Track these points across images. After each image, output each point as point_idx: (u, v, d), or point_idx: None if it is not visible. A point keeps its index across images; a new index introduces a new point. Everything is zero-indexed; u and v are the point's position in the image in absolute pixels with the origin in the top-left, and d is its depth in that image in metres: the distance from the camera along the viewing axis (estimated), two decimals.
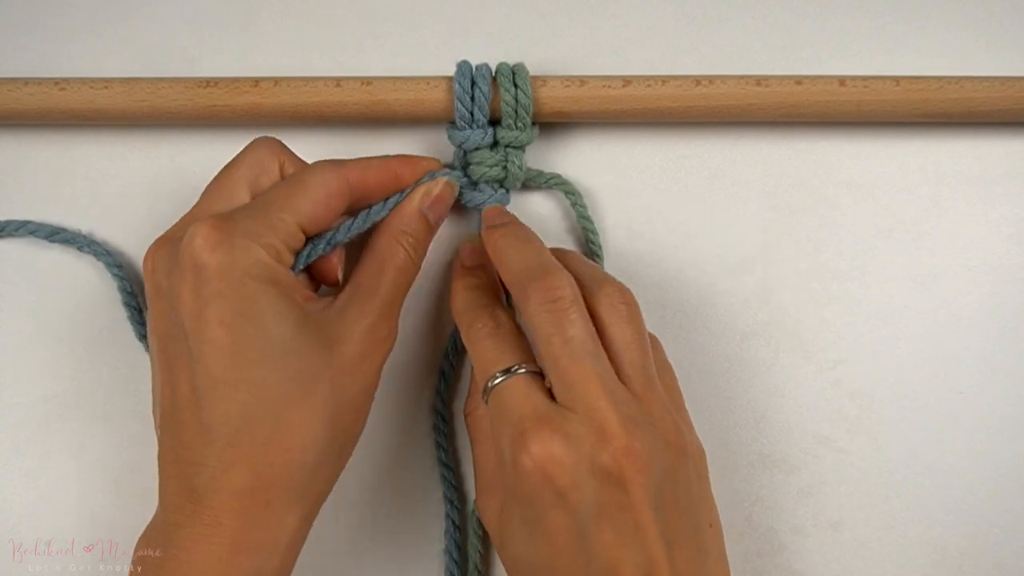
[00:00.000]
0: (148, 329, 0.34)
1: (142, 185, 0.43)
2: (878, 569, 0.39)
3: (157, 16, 0.46)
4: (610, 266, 0.42)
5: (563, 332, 0.32)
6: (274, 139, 0.36)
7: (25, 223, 0.42)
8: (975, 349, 0.41)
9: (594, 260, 0.41)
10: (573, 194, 0.42)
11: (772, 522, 0.39)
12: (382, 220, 0.37)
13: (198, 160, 0.43)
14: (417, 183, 0.38)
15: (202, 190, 0.43)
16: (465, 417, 0.38)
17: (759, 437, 0.40)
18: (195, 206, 0.35)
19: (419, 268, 0.37)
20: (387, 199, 0.37)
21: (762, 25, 0.45)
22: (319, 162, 0.36)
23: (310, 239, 0.35)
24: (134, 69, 0.43)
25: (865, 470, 0.40)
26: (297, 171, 0.35)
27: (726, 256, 0.42)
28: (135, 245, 0.43)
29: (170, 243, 0.33)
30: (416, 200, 0.37)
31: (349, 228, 0.36)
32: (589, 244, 0.41)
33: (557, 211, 0.43)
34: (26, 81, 0.41)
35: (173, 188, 0.43)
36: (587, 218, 0.41)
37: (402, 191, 0.37)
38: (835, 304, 0.42)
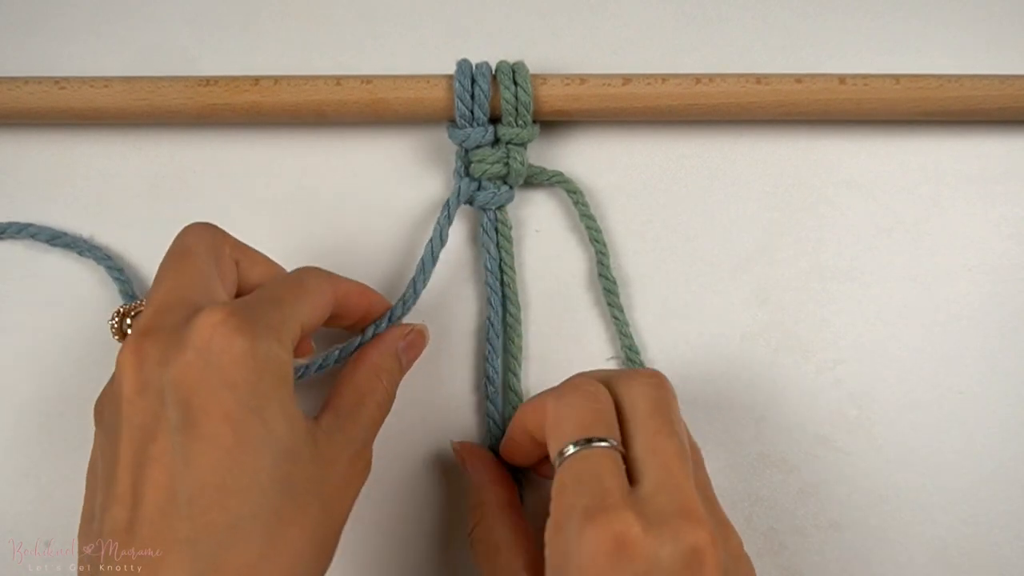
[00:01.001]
0: (105, 430, 0.29)
1: (142, 185, 0.43)
2: (878, 569, 0.39)
3: (157, 16, 0.46)
4: (618, 259, 0.42)
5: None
6: (213, 225, 0.34)
7: (26, 226, 0.42)
8: (975, 349, 0.41)
9: (598, 257, 0.41)
10: (575, 192, 0.42)
11: (772, 522, 0.39)
12: (360, 352, 0.36)
13: (198, 160, 0.43)
14: (382, 322, 0.37)
15: (202, 190, 0.43)
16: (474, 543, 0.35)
17: (759, 437, 0.40)
18: (158, 292, 0.30)
19: (391, 407, 0.36)
20: (364, 331, 0.37)
21: (762, 25, 0.45)
22: (311, 268, 0.34)
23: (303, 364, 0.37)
24: (134, 68, 0.43)
25: (865, 470, 0.40)
26: (294, 273, 0.34)
27: (726, 256, 0.42)
28: (135, 246, 0.42)
29: (161, 332, 0.28)
30: (394, 339, 0.37)
31: (340, 353, 0.37)
32: (593, 242, 0.41)
33: (559, 209, 0.43)
34: (26, 80, 0.41)
35: (173, 188, 0.43)
36: (590, 216, 0.41)
37: (374, 322, 0.37)
38: (835, 304, 0.42)
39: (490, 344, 0.40)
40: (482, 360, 0.40)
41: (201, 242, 0.32)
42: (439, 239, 0.39)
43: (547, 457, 0.32)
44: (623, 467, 0.29)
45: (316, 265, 0.39)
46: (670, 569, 0.26)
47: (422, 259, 0.39)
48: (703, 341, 0.41)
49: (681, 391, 0.40)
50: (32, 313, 0.42)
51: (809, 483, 0.40)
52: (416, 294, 0.39)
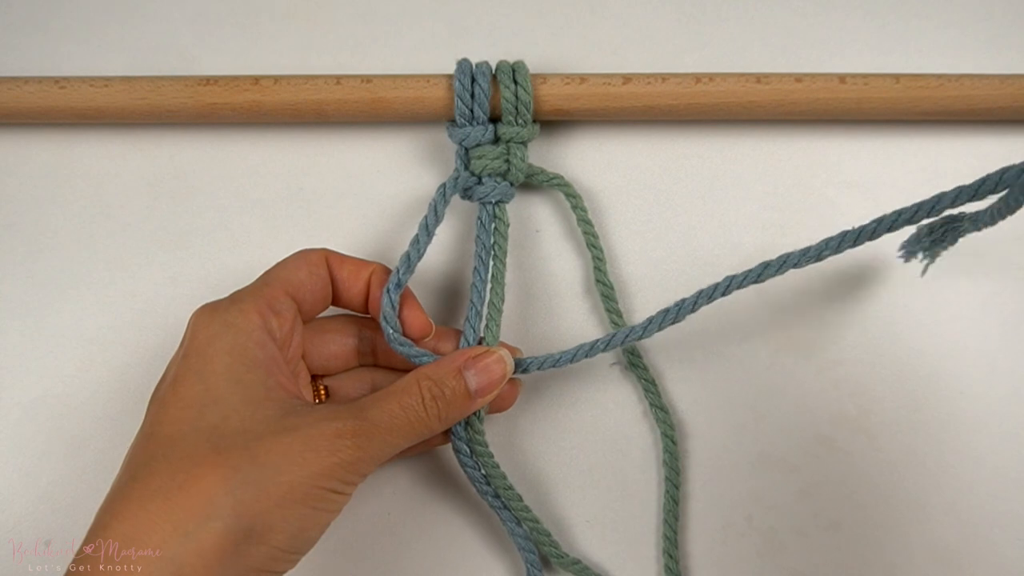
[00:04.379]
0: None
1: (142, 185, 0.43)
2: (878, 569, 0.39)
3: (157, 15, 0.46)
4: (610, 266, 0.42)
5: None
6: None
7: None
8: (975, 349, 0.41)
9: (595, 263, 0.41)
10: (574, 196, 0.42)
11: (772, 522, 0.39)
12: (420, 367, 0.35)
13: (198, 160, 0.43)
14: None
15: (201, 190, 0.44)
16: None
17: (759, 437, 0.40)
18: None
19: (434, 429, 0.34)
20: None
21: (762, 25, 0.45)
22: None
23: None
24: (134, 68, 0.43)
25: (865, 470, 0.40)
26: None
27: (726, 256, 0.42)
28: (135, 245, 0.42)
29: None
30: (458, 355, 0.35)
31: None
32: (589, 247, 0.41)
33: (557, 213, 0.43)
34: (26, 80, 0.41)
35: (173, 188, 0.43)
36: (587, 221, 0.41)
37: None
38: (835, 304, 0.42)
39: (467, 331, 0.39)
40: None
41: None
42: (434, 215, 0.38)
43: None
44: None
45: None
46: None
47: (416, 235, 0.38)
48: (703, 341, 0.41)
49: (681, 391, 0.40)
50: (32, 311, 0.42)
51: (809, 483, 0.40)
52: (410, 267, 0.37)
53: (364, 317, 0.39)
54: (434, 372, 0.34)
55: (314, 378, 0.38)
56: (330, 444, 0.31)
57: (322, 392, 0.37)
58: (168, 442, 0.30)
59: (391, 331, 0.36)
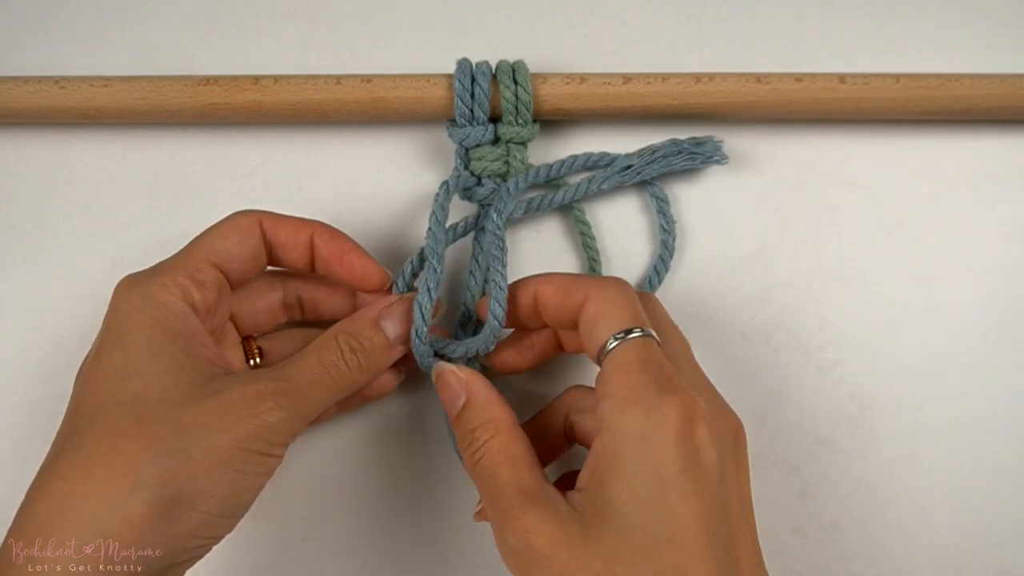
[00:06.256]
0: None
1: (142, 185, 0.43)
2: (878, 569, 0.39)
3: (157, 15, 0.46)
4: (609, 266, 0.42)
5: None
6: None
7: None
8: (975, 349, 0.41)
9: (590, 264, 0.41)
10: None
11: (772, 522, 0.39)
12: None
13: (198, 160, 0.43)
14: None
15: (202, 190, 0.43)
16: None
17: (759, 437, 0.40)
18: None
19: (357, 383, 0.34)
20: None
21: (762, 25, 0.45)
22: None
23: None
24: (134, 68, 0.43)
25: (865, 470, 0.40)
26: None
27: (726, 256, 0.42)
28: (135, 245, 0.42)
29: None
30: (371, 308, 0.35)
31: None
32: (586, 248, 0.41)
33: (556, 213, 0.43)
34: (26, 79, 0.41)
35: (173, 188, 0.43)
36: (585, 223, 0.41)
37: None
38: (835, 304, 0.42)
39: (460, 328, 0.39)
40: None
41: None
42: (440, 211, 0.38)
43: (536, 330, 0.37)
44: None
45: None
46: (726, 438, 0.31)
47: (429, 227, 0.38)
48: (703, 341, 0.41)
49: None
50: (32, 311, 0.42)
51: (809, 483, 0.40)
52: (439, 264, 0.36)
53: (286, 271, 0.38)
54: (351, 325, 0.34)
55: (247, 339, 0.37)
56: (251, 407, 0.31)
57: (255, 351, 0.37)
58: (91, 414, 0.30)
59: (420, 345, 0.35)
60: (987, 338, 0.41)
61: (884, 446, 0.40)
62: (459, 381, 0.34)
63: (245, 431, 0.30)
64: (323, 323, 0.37)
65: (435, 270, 0.36)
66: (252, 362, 0.37)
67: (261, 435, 0.31)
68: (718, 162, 0.41)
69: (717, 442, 0.30)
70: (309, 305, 0.39)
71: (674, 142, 0.41)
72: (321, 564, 0.39)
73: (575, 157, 0.41)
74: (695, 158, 0.41)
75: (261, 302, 0.38)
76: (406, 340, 0.35)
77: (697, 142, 0.41)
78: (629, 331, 0.31)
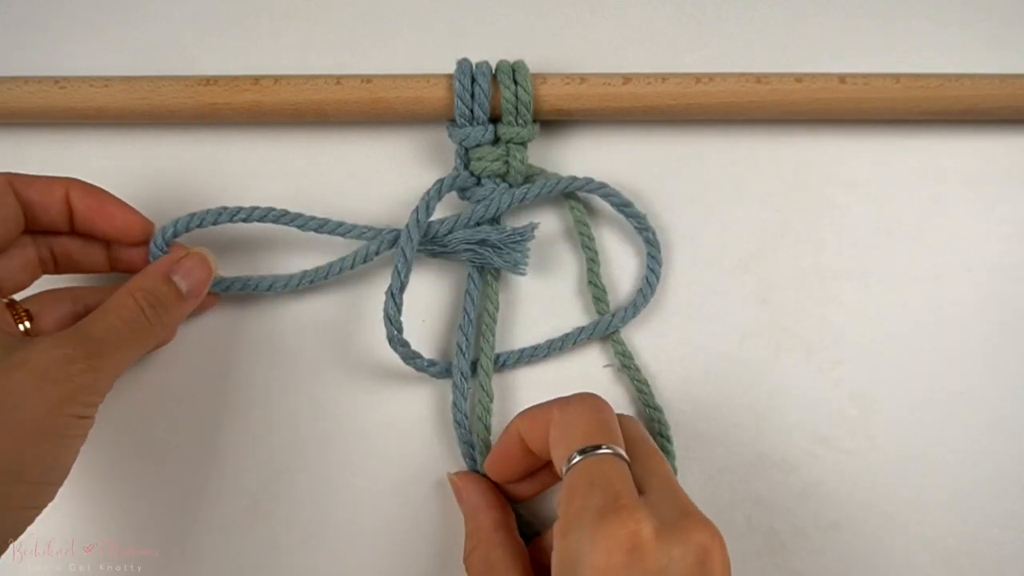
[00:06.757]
0: None
1: (142, 185, 0.43)
2: (878, 569, 0.39)
3: (157, 16, 0.46)
4: (609, 266, 0.42)
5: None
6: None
7: None
8: (975, 349, 0.41)
9: (588, 264, 0.41)
10: (571, 197, 0.42)
11: (772, 522, 0.39)
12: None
13: (198, 160, 0.43)
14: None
15: (202, 190, 0.43)
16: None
17: (759, 437, 0.40)
18: None
19: (158, 337, 0.35)
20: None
21: (762, 25, 0.45)
22: None
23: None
24: (134, 68, 0.43)
25: (865, 470, 0.40)
26: None
27: (726, 256, 0.42)
28: None
29: None
30: (163, 262, 0.36)
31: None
32: (584, 248, 0.41)
33: (555, 214, 0.43)
34: (26, 79, 0.41)
35: (173, 188, 0.43)
36: (584, 222, 0.41)
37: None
38: (835, 304, 0.42)
39: (463, 332, 0.39)
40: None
41: None
42: (424, 209, 0.38)
43: (533, 473, 0.36)
44: (630, 474, 0.31)
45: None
46: (681, 566, 0.28)
47: (407, 225, 0.38)
48: (703, 341, 0.41)
49: (681, 391, 0.40)
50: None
51: (809, 483, 0.40)
52: (407, 263, 0.37)
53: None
54: (144, 283, 0.35)
55: (11, 303, 0.36)
56: (63, 371, 0.31)
57: (23, 315, 0.36)
58: None
59: (395, 332, 0.36)
60: (987, 338, 0.41)
61: (884, 446, 0.40)
62: (455, 488, 0.37)
63: (60, 395, 0.30)
64: (79, 275, 0.39)
65: (399, 273, 0.37)
66: (22, 327, 0.36)
67: (77, 397, 0.31)
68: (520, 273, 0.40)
69: (664, 569, 0.28)
70: (63, 259, 0.38)
71: (497, 230, 0.40)
72: (321, 564, 0.39)
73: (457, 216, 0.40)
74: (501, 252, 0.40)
75: (16, 260, 0.37)
76: (197, 293, 0.37)
77: (511, 239, 0.40)
78: (587, 449, 0.31)
